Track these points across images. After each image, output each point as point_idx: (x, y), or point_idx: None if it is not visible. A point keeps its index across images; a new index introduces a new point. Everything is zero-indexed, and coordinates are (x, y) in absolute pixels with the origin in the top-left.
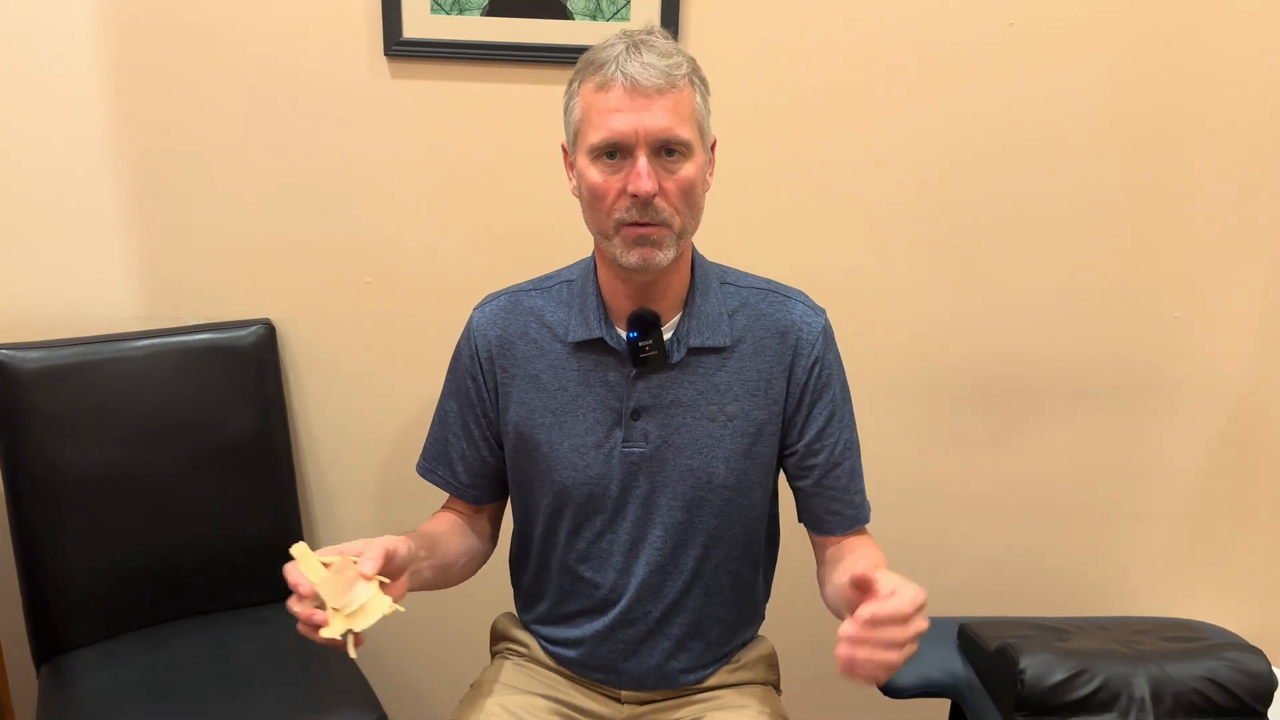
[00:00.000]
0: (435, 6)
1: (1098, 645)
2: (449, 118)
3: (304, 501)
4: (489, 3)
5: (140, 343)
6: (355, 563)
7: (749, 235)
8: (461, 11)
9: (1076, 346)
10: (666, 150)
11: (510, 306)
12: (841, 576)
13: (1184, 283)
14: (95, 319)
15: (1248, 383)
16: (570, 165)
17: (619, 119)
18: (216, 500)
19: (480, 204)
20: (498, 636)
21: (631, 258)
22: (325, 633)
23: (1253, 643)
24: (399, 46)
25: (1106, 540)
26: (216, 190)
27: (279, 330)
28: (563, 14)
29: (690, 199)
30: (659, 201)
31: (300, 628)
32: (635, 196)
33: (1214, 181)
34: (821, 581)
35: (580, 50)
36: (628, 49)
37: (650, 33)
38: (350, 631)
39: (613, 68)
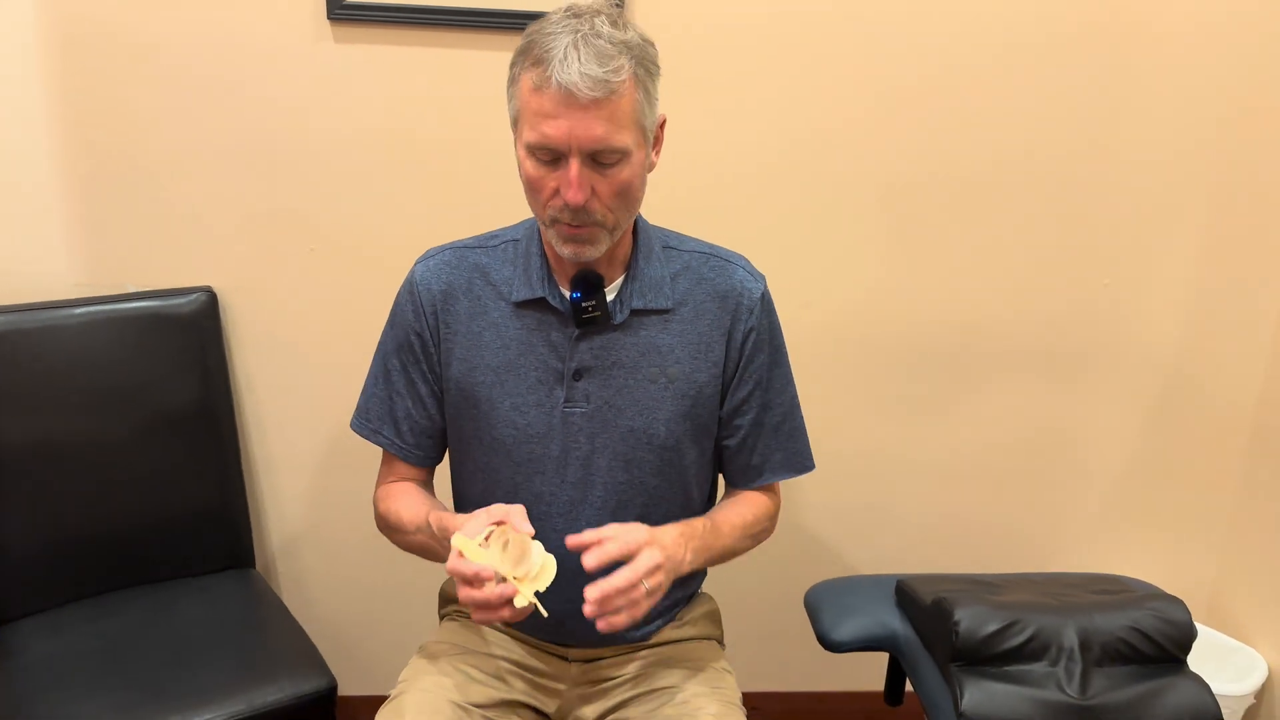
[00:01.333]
0: None
1: (1029, 598)
2: (395, 84)
3: (247, 470)
4: None
5: (79, 310)
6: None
7: (697, 203)
8: None
9: (1013, 314)
10: (601, 158)
11: (455, 261)
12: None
13: (1115, 251)
14: (32, 286)
15: (1177, 350)
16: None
17: (552, 125)
18: (159, 469)
19: (427, 172)
20: (446, 600)
21: (565, 250)
22: (519, 601)
23: (1175, 595)
24: (343, 10)
25: (1040, 501)
26: (157, 156)
27: (221, 299)
28: None
29: (625, 197)
30: (591, 204)
31: (479, 615)
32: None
33: (1145, 151)
34: None
35: (533, 16)
36: (570, 46)
37: (597, 14)
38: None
39: (550, 69)
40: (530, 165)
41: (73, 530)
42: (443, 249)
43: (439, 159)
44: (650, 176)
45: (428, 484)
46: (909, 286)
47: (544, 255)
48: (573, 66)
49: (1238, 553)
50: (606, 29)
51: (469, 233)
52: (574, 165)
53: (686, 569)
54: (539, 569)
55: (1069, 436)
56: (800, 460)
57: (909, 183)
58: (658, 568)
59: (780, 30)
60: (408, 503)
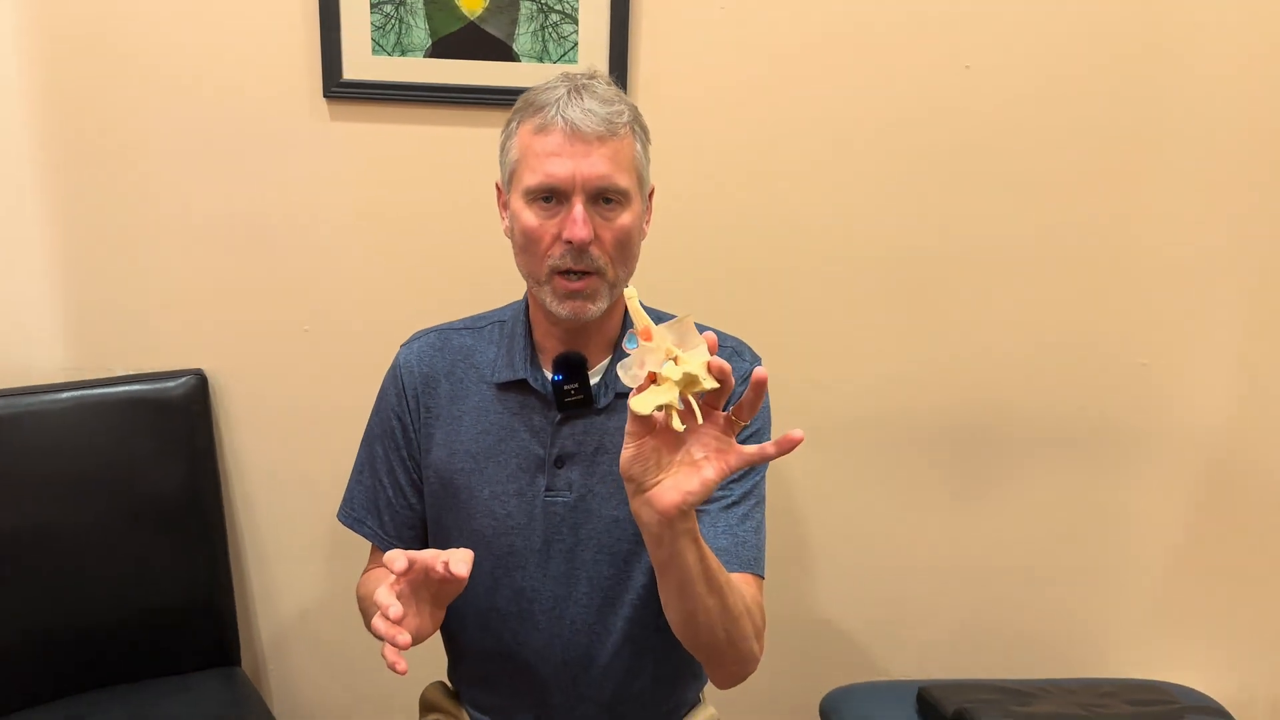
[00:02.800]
0: (376, 47)
1: (1059, 710)
2: (390, 161)
3: (236, 561)
4: (432, 44)
5: (64, 395)
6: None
7: (700, 283)
8: (404, 53)
9: (1043, 396)
10: (604, 198)
11: (439, 344)
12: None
13: (1152, 329)
14: (16, 369)
15: (1223, 432)
16: (504, 205)
17: (556, 164)
18: (142, 560)
19: (421, 249)
20: (427, 707)
21: (563, 309)
22: (652, 397)
23: (1228, 705)
24: (338, 88)
25: (1076, 599)
26: (147, 235)
27: (211, 381)
28: (508, 55)
29: (625, 249)
30: (594, 249)
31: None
32: (570, 243)
33: (1181, 225)
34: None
35: (518, 92)
36: (569, 93)
37: (592, 76)
38: (674, 409)
39: (553, 111)
40: (529, 215)
41: (50, 623)
42: (428, 331)
43: (435, 237)
44: (648, 252)
45: None
46: (930, 366)
47: (529, 336)
48: (575, 106)
49: None
50: (602, 86)
51: (466, 312)
52: (578, 204)
53: (675, 538)
54: (696, 369)
55: (1108, 528)
56: (752, 557)
57: (930, 254)
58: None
59: (789, 97)
60: (375, 585)
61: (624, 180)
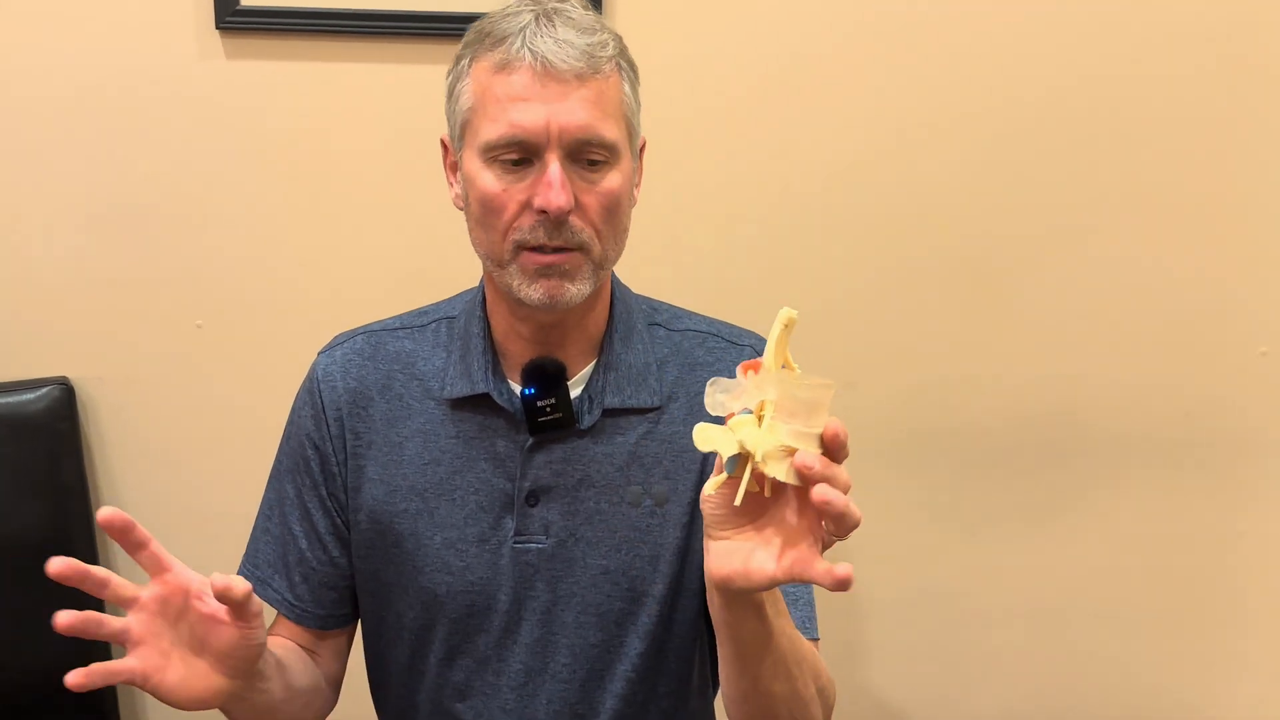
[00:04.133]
0: None
1: None
2: (303, 109)
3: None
4: None
5: None
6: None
7: (700, 261)
8: None
9: (1136, 396)
10: (587, 157)
11: (369, 350)
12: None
13: (1273, 310)
14: None
15: None
16: (452, 167)
17: (525, 110)
18: None
19: (346, 221)
20: None
21: (534, 292)
22: (715, 436)
23: None
24: (235, 18)
25: (1193, 646)
26: None
27: (79, 392)
28: None
29: (614, 217)
30: (574, 219)
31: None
32: (543, 213)
33: None
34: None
35: (469, 20)
36: (537, 19)
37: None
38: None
39: (518, 43)
40: (488, 178)
41: None
42: (353, 334)
43: (362, 205)
44: (654, 237)
45: (320, 651)
46: (989, 360)
47: (488, 337)
48: (546, 35)
49: None
50: (577, 10)
51: (402, 302)
52: (552, 162)
53: (728, 604)
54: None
55: (1221, 557)
56: (806, 616)
57: (984, 227)
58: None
59: (810, 30)
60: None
61: (611, 131)
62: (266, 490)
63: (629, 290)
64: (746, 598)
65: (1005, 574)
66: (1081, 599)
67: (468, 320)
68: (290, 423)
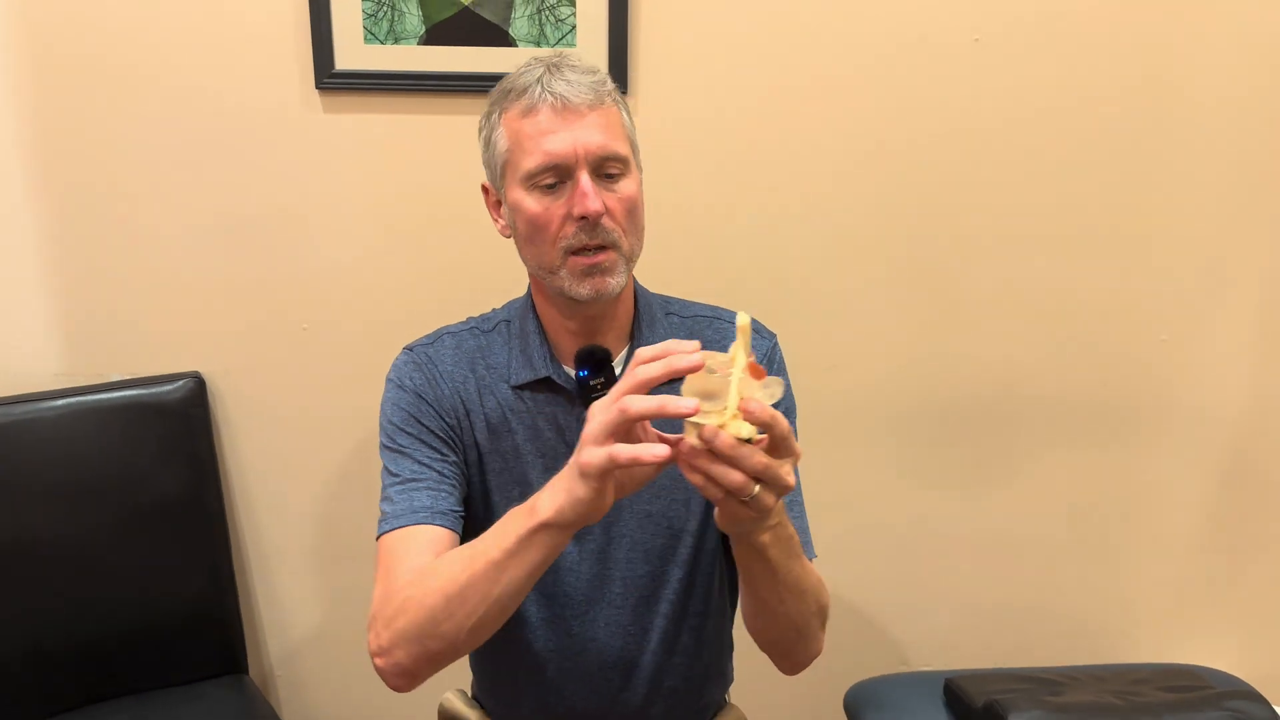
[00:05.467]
0: (369, 36)
1: (1092, 698)
2: (386, 152)
3: (240, 567)
4: (426, 31)
5: (59, 402)
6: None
7: (705, 267)
8: (397, 41)
9: (1063, 374)
10: (606, 171)
11: (454, 344)
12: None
13: (1172, 304)
14: (10, 377)
15: (1246, 408)
16: (496, 204)
17: (554, 140)
18: (145, 568)
19: (421, 242)
20: (446, 716)
21: (583, 289)
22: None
23: (1262, 688)
24: (331, 79)
25: (1103, 582)
26: (140, 235)
27: (209, 384)
28: (504, 41)
29: (634, 218)
30: (606, 222)
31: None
32: (583, 219)
33: (1200, 199)
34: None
35: None
36: (547, 70)
37: (562, 55)
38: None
39: (538, 90)
40: (531, 202)
41: (51, 636)
42: (438, 334)
43: (434, 229)
44: (656, 237)
45: None
46: (946, 345)
47: (542, 333)
48: (558, 80)
49: None
50: (576, 60)
51: (469, 308)
52: (583, 176)
53: (738, 541)
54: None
55: (1132, 507)
56: (804, 541)
57: (944, 232)
58: (785, 487)
59: (794, 78)
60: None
61: (622, 147)
62: (387, 465)
63: (644, 287)
64: (747, 542)
65: (957, 519)
66: (1017, 539)
67: (522, 322)
68: (397, 409)
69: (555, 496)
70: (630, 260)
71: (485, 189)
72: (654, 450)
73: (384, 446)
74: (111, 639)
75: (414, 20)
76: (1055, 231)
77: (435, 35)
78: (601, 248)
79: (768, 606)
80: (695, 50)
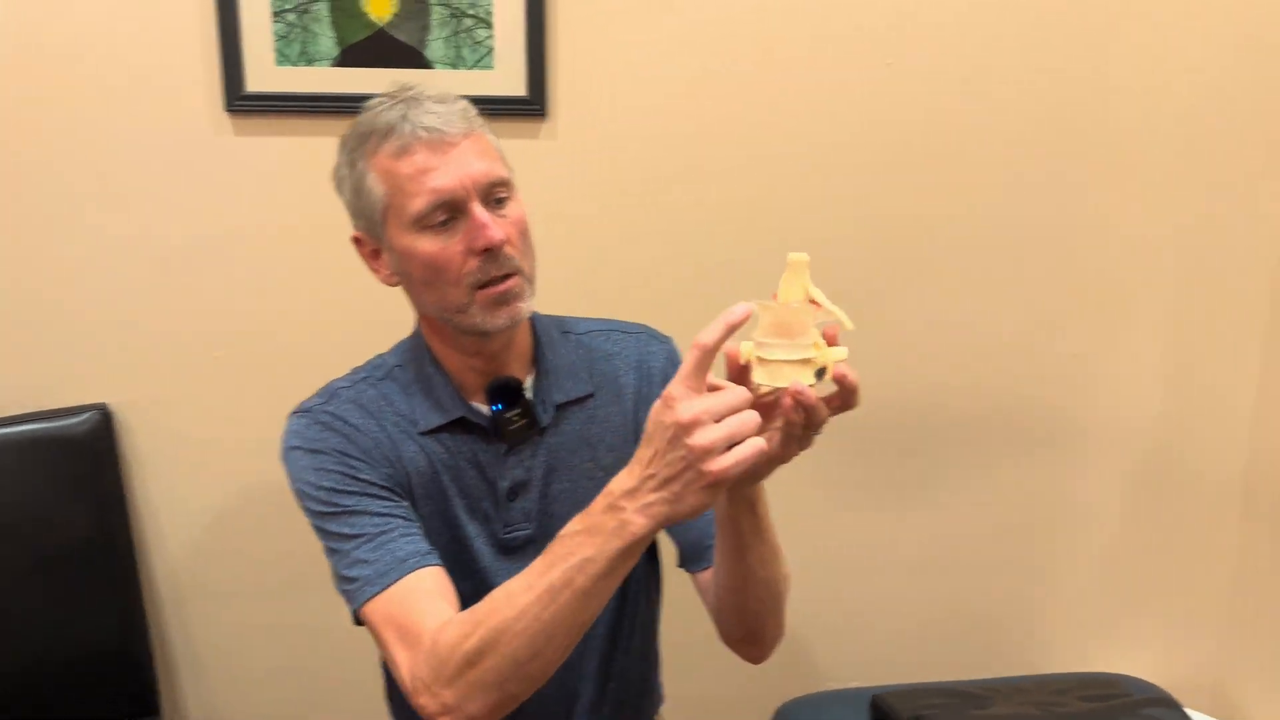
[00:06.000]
0: (281, 57)
1: (1017, 711)
2: (299, 175)
3: (153, 605)
4: (339, 53)
5: None
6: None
7: (626, 285)
8: (310, 62)
9: (977, 389)
10: (494, 195)
11: (354, 398)
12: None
13: (1083, 318)
14: None
15: (1156, 420)
16: (374, 254)
17: (438, 176)
18: (51, 609)
19: (337, 266)
20: None
21: (498, 320)
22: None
23: (1177, 692)
24: (242, 101)
25: (1025, 594)
26: (42, 263)
27: (116, 416)
28: (420, 63)
29: (528, 239)
30: (507, 249)
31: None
32: (487, 250)
33: (1107, 212)
34: (713, 609)
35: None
36: (408, 105)
37: (411, 87)
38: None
39: (406, 128)
40: (426, 243)
41: None
42: (331, 392)
43: (350, 253)
44: (574, 258)
45: None
46: (866, 365)
47: (444, 373)
48: (425, 114)
49: (1240, 635)
50: (429, 89)
51: (388, 330)
52: (476, 208)
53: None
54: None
55: (1052, 519)
56: None
57: (857, 253)
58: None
59: (715, 96)
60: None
61: (503, 170)
62: (336, 532)
63: (536, 311)
64: (742, 494)
65: (878, 536)
66: (943, 554)
67: (418, 366)
68: (311, 469)
69: (649, 508)
70: (532, 282)
71: (358, 240)
72: (751, 442)
73: (322, 516)
74: (17, 682)
75: (327, 42)
76: (968, 250)
77: (349, 57)
78: (507, 275)
79: (753, 572)
80: (616, 71)
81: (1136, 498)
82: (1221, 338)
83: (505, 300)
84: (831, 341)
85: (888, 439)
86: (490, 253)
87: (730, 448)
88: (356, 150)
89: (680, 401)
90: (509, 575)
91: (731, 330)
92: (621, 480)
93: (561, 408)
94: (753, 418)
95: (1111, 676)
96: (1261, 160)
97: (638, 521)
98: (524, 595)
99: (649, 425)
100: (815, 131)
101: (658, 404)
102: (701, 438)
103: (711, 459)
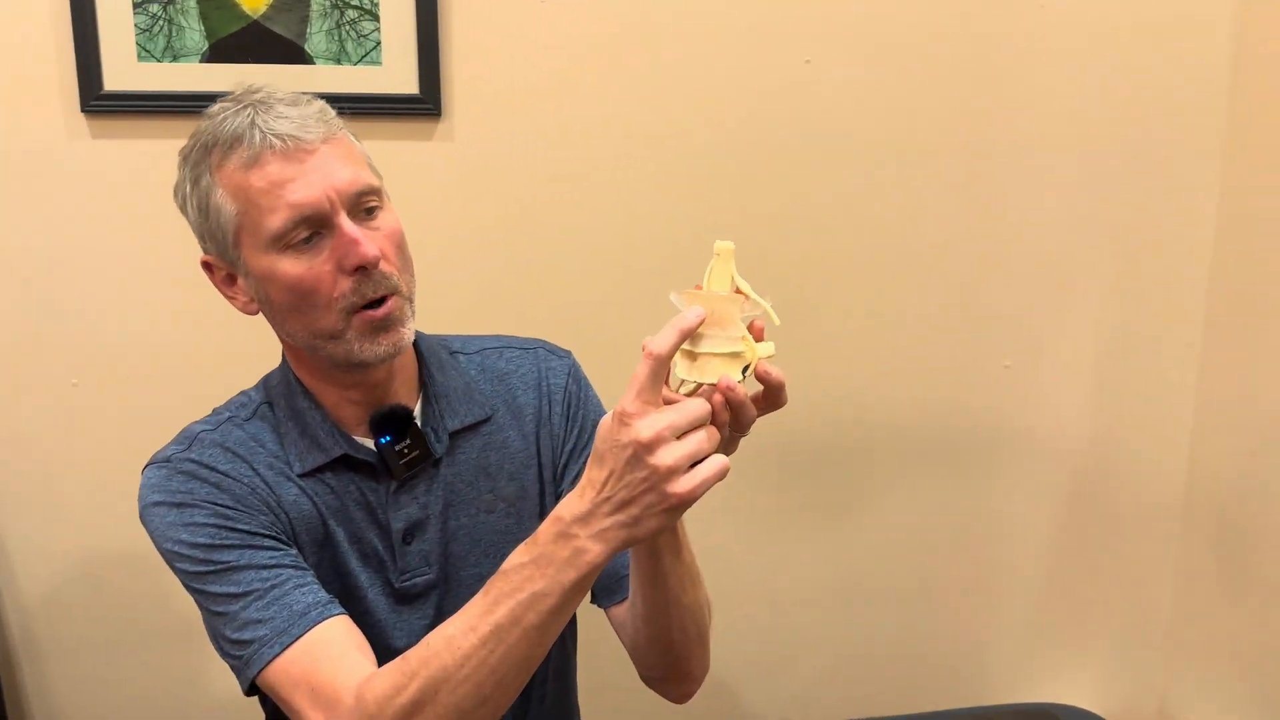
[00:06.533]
0: (143, 53)
1: None
2: (163, 182)
3: (6, 661)
4: (209, 47)
5: None
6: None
7: (529, 292)
8: (175, 58)
9: (899, 405)
10: (363, 207)
11: (219, 442)
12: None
13: (1013, 328)
14: None
15: (1088, 436)
16: (228, 279)
17: (297, 189)
18: None
19: (204, 280)
20: None
21: (378, 348)
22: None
23: (1118, 718)
24: (99, 101)
25: (957, 622)
26: None
27: None
28: (300, 58)
29: (404, 252)
30: (383, 266)
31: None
32: (360, 269)
33: (1032, 215)
34: (631, 645)
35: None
36: (256, 110)
37: (259, 88)
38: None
39: (255, 135)
40: (289, 265)
41: None
42: (191, 436)
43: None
44: (470, 270)
45: None
46: (793, 380)
47: (320, 407)
48: (277, 119)
49: (1183, 658)
50: (279, 90)
51: (264, 351)
52: (344, 221)
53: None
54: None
55: (980, 540)
56: None
57: (773, 254)
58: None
59: (615, 91)
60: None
61: (372, 177)
62: (218, 592)
63: (418, 330)
64: None
65: (798, 562)
66: (867, 580)
67: (288, 401)
68: (177, 526)
69: (606, 533)
70: (412, 302)
71: (208, 265)
72: (714, 459)
73: (200, 577)
74: None
75: (195, 35)
76: (887, 254)
77: (220, 52)
78: (385, 297)
79: (675, 599)
80: (516, 66)
81: (1072, 515)
82: (1157, 343)
83: (386, 326)
84: (757, 337)
85: (803, 459)
86: (364, 271)
87: (693, 466)
88: (200, 164)
89: (638, 418)
90: (409, 627)
91: (685, 337)
92: (571, 505)
93: (456, 435)
94: (714, 434)
95: (1048, 706)
96: (1194, 157)
97: (594, 549)
98: (466, 638)
99: (599, 444)
100: (729, 130)
101: (609, 421)
102: (665, 457)
103: (675, 479)
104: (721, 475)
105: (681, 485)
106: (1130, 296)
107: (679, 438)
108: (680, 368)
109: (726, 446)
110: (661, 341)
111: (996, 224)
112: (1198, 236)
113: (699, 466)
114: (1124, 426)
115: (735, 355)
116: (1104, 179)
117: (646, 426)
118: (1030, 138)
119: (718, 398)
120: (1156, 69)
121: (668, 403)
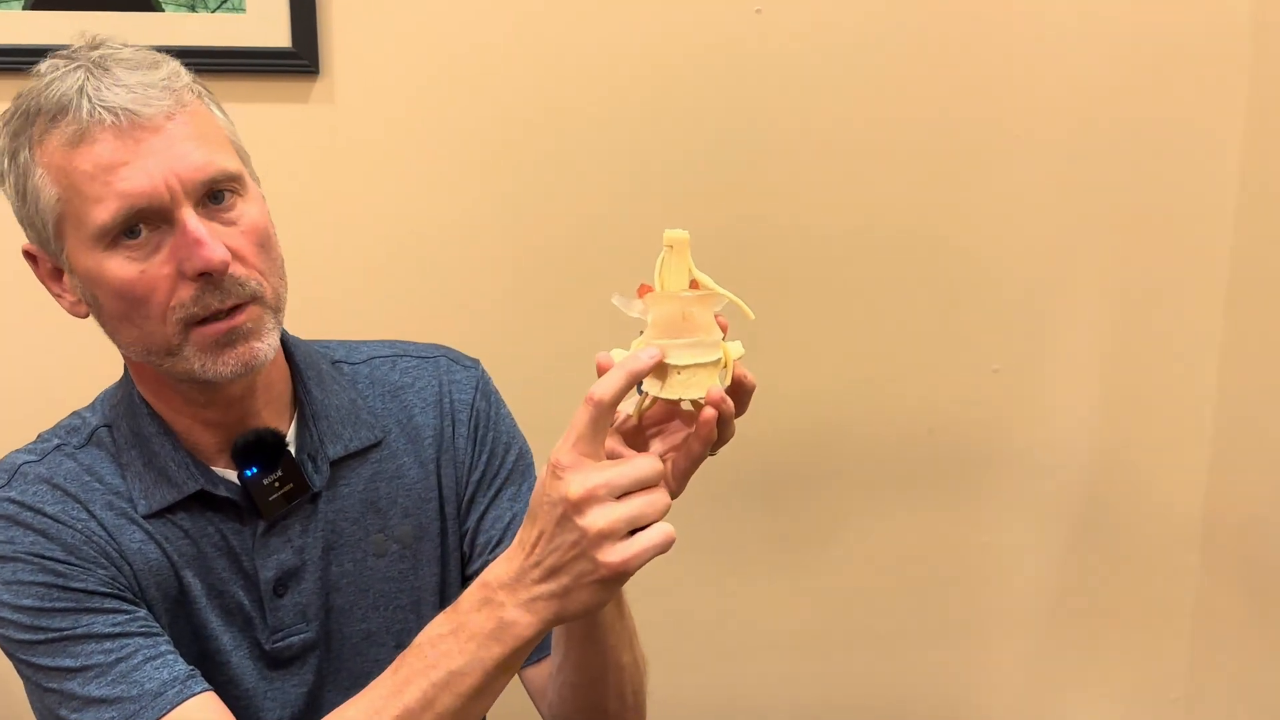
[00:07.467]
0: None
1: None
2: None
3: None
4: None
5: None
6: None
7: (424, 284)
8: None
9: (878, 420)
10: (213, 194)
11: (45, 477)
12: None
13: (1002, 326)
14: None
15: (1093, 448)
16: (54, 274)
17: (130, 175)
18: None
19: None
20: None
21: (224, 367)
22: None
23: None
24: None
25: (949, 664)
26: None
27: None
28: (145, 4)
29: (269, 251)
30: (236, 269)
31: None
32: (203, 275)
33: (1027, 199)
34: (552, 716)
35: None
36: (89, 73)
37: (100, 44)
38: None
39: (84, 106)
40: (117, 266)
41: None
42: (11, 470)
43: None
44: (360, 256)
45: None
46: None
47: (169, 432)
48: (113, 86)
49: (1206, 709)
50: (126, 49)
51: (107, 358)
52: (187, 216)
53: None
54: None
55: (972, 574)
56: None
57: (729, 247)
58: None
59: (535, 50)
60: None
61: (229, 160)
62: (52, 666)
63: (294, 336)
64: None
65: (765, 603)
66: (843, 621)
67: (131, 424)
68: (24, 589)
69: (534, 604)
70: (278, 310)
71: (30, 255)
72: (658, 527)
73: (27, 646)
74: None
75: None
76: (862, 252)
77: None
78: (237, 307)
79: (615, 658)
80: (408, 17)
81: (1075, 546)
82: (1170, 346)
83: (232, 341)
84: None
85: (769, 485)
86: (208, 278)
87: (634, 532)
88: (19, 136)
89: (571, 472)
90: (283, 697)
91: (634, 381)
92: (498, 568)
93: (338, 464)
94: (663, 497)
95: None
96: (1210, 139)
97: (523, 620)
98: None
99: (533, 499)
100: (668, 91)
101: (545, 473)
102: (597, 519)
103: (607, 546)
104: (665, 547)
105: (614, 555)
106: (1139, 286)
107: (619, 498)
108: (652, 385)
109: (679, 482)
110: (606, 386)
111: (980, 206)
112: (1215, 222)
113: (639, 535)
114: (1132, 443)
115: (716, 363)
116: (1108, 160)
117: (578, 483)
118: (1024, 105)
119: (710, 413)
120: (1169, 35)
121: (612, 456)
